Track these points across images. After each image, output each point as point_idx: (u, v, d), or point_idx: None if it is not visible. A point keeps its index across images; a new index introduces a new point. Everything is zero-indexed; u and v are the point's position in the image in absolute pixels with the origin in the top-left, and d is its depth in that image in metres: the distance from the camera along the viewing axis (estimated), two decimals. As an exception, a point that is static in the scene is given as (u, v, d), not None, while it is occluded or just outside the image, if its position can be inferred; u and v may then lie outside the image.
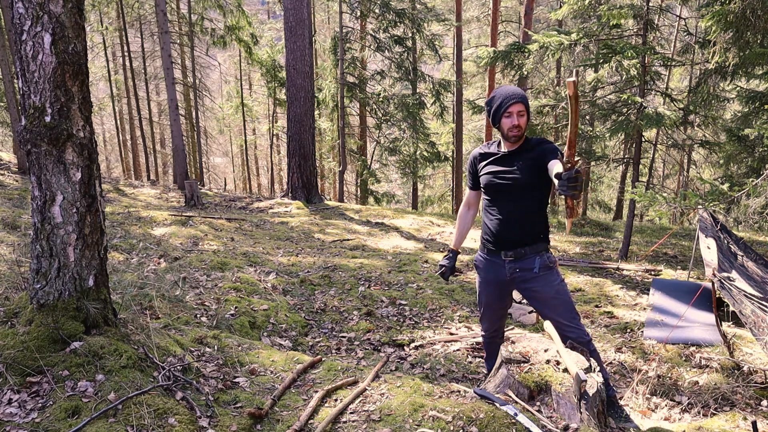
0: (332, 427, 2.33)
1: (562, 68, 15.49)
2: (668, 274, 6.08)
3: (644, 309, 4.76)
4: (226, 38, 16.20)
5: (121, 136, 22.34)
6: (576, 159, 2.13)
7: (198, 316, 3.74)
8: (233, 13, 15.88)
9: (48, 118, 2.28)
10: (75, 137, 2.35)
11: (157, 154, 22.79)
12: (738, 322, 4.18)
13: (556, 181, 2.18)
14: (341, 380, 2.78)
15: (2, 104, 12.72)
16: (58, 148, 2.32)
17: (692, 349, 3.74)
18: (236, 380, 2.72)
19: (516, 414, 2.27)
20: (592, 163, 8.64)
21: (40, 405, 2.16)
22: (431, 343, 4.05)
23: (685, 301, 4.43)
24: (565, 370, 2.51)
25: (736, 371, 3.37)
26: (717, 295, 4.12)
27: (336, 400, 2.58)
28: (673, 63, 8.89)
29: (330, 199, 15.63)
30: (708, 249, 4.44)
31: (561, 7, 7.35)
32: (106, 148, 27.35)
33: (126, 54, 18.45)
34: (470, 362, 3.76)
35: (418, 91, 16.14)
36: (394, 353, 3.88)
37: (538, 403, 2.45)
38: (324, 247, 7.32)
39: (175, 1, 17.72)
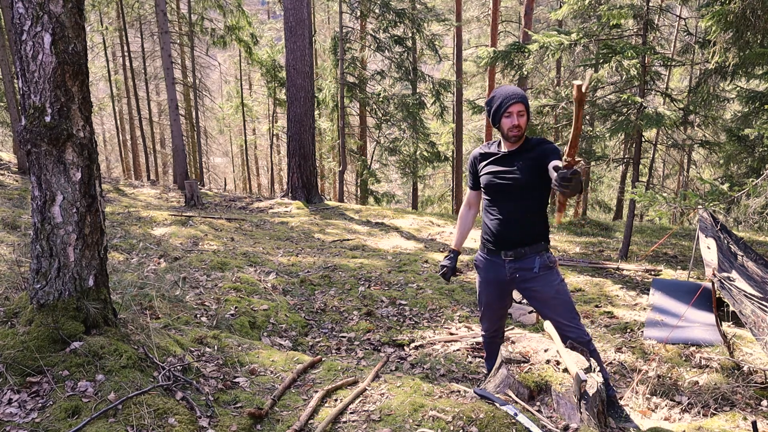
0: (332, 427, 2.33)
1: (562, 68, 15.49)
2: (668, 274, 6.08)
3: (644, 309, 4.76)
4: (226, 38, 16.20)
5: (121, 136, 22.34)
6: (577, 159, 2.13)
7: (198, 316, 3.74)
8: (233, 13, 15.88)
9: (48, 118, 2.28)
10: (75, 137, 2.35)
11: (157, 154, 22.79)
12: (738, 322, 4.18)
13: (553, 174, 2.17)
14: (341, 380, 2.78)
15: (2, 104, 12.73)
16: (58, 148, 2.32)
17: (692, 349, 3.74)
18: (236, 380, 2.72)
19: (516, 414, 2.27)
20: (592, 163, 8.64)
21: (40, 405, 2.16)
22: (431, 343, 4.05)
23: (685, 301, 4.43)
24: (565, 370, 2.51)
25: (736, 371, 3.37)
26: (717, 295, 4.12)
27: (336, 400, 2.58)
28: (673, 63, 8.89)
29: (330, 199, 15.63)
30: (708, 249, 4.44)
31: (561, 7, 7.35)
32: (106, 148, 27.35)
33: (126, 54, 18.46)
34: (470, 362, 3.76)
35: (418, 91, 16.15)
36: (394, 353, 3.88)
37: (538, 403, 2.45)
38: (324, 247, 7.32)
39: (175, 1, 17.72)
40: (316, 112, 15.91)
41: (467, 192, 3.06)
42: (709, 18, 5.52)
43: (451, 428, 2.24)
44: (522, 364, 2.59)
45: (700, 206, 4.79)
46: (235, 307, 4.00)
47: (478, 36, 22.47)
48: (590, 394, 2.37)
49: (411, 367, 3.64)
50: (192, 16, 16.00)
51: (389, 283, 5.45)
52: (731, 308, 4.02)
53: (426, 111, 16.59)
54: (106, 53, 19.19)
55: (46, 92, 2.27)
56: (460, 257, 3.09)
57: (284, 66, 13.24)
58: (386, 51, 15.73)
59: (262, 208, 10.69)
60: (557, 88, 9.53)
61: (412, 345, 4.03)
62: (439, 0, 20.08)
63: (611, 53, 6.52)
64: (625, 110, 7.01)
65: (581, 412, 2.34)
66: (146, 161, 18.62)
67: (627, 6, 6.63)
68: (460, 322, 4.54)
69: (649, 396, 3.21)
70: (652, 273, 6.12)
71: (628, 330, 4.26)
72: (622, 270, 6.30)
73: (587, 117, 7.26)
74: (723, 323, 4.16)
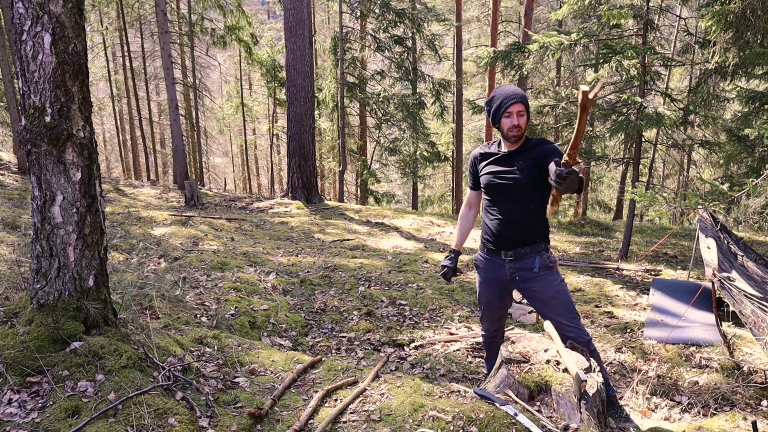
0: (332, 427, 2.33)
1: (562, 68, 15.48)
2: (668, 274, 6.08)
3: (644, 309, 4.76)
4: (226, 38, 16.20)
5: (121, 136, 22.35)
6: (577, 160, 2.13)
7: (198, 316, 3.74)
8: (233, 13, 15.88)
9: (48, 118, 2.28)
10: (75, 137, 2.35)
11: (157, 154, 22.79)
12: (738, 322, 4.18)
13: (552, 168, 2.18)
14: (341, 380, 2.78)
15: (2, 104, 12.73)
16: (58, 148, 2.32)
17: (692, 349, 3.74)
18: (236, 380, 2.72)
19: (516, 414, 2.27)
20: (592, 163, 8.64)
21: (40, 405, 2.16)
22: (431, 343, 4.05)
23: (685, 301, 4.43)
24: (565, 370, 2.51)
25: (736, 371, 3.37)
26: (717, 295, 4.12)
27: (336, 400, 2.58)
28: (673, 63, 8.89)
29: (330, 199, 15.63)
30: (708, 249, 4.44)
31: (561, 7, 7.35)
32: (106, 148, 27.35)
33: (126, 54, 18.46)
34: (470, 362, 3.76)
35: (418, 91, 16.15)
36: (394, 353, 3.88)
37: (538, 403, 2.45)
38: (324, 247, 7.32)
39: (175, 1, 17.72)
40: (316, 112, 15.91)
41: (467, 192, 3.06)
42: (709, 18, 5.52)
43: (451, 428, 2.24)
44: (522, 364, 2.60)
45: (700, 206, 4.80)
46: (235, 307, 4.00)
47: (478, 36, 22.47)
48: (590, 394, 2.37)
49: (411, 367, 3.64)
50: (192, 16, 16.01)
51: (389, 283, 5.45)
52: (731, 308, 4.02)
53: (426, 111, 16.59)
54: (106, 53, 19.19)
55: (46, 92, 2.27)
56: (461, 257, 3.09)
57: (284, 66, 13.24)
58: (386, 51, 15.73)
59: (262, 208, 10.69)
60: (557, 88, 9.53)
61: (412, 345, 4.03)
62: (439, 0, 20.08)
63: (611, 53, 6.52)
64: (625, 110, 7.01)
65: (581, 412, 2.34)
66: (146, 161, 18.62)
67: (627, 6, 6.63)
68: (460, 322, 4.54)
69: (649, 396, 3.21)
70: (652, 273, 6.12)
71: (628, 330, 4.26)
72: (622, 270, 6.30)
73: (587, 117, 7.25)
74: (723, 323, 4.16)
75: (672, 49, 13.76)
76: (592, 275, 6.09)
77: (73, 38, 2.30)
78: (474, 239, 7.14)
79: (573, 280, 5.83)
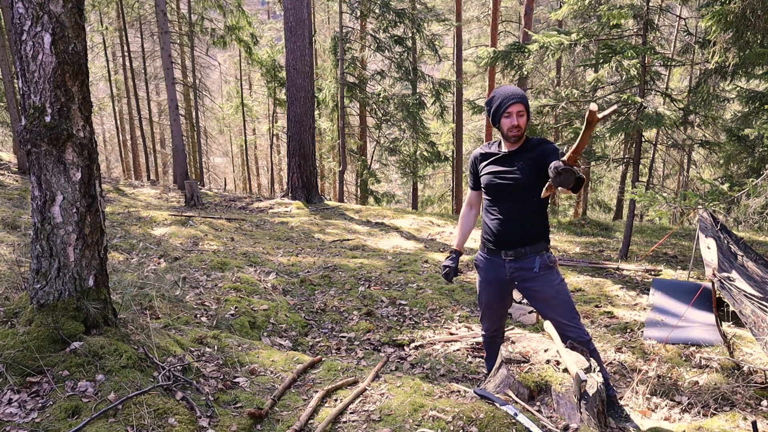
0: (332, 427, 2.33)
1: (562, 68, 15.49)
2: (668, 274, 6.08)
3: (644, 309, 4.76)
4: (226, 38, 16.20)
5: (121, 136, 22.35)
6: (578, 163, 2.15)
7: (198, 316, 3.74)
8: (233, 13, 15.88)
9: (48, 118, 2.28)
10: (75, 137, 2.35)
11: (157, 154, 22.79)
12: (738, 322, 4.18)
13: (552, 163, 2.19)
14: (341, 380, 2.78)
15: (2, 104, 12.73)
16: (58, 148, 2.32)
17: (692, 349, 3.74)
18: (236, 380, 2.72)
19: (516, 414, 2.27)
20: (592, 163, 8.64)
21: (40, 405, 2.16)
22: (431, 343, 4.05)
23: (685, 301, 4.43)
24: (565, 370, 2.51)
25: (736, 371, 3.37)
26: (717, 295, 4.12)
27: (336, 400, 2.58)
28: (673, 63, 8.89)
29: (330, 199, 15.63)
30: (708, 249, 4.44)
31: (561, 7, 7.35)
32: (106, 148, 27.35)
33: (126, 54, 18.46)
34: (470, 362, 3.76)
35: (418, 91, 16.15)
36: (394, 353, 3.88)
37: (538, 403, 2.45)
38: (324, 247, 7.32)
39: (175, 1, 17.72)
40: (316, 112, 15.91)
41: (468, 192, 3.06)
42: (709, 18, 5.52)
43: (451, 428, 2.24)
44: (522, 364, 2.60)
45: (700, 206, 4.80)
46: (235, 307, 4.00)
47: (478, 36, 22.47)
48: (590, 394, 2.37)
49: (411, 367, 3.64)
50: (192, 16, 16.01)
51: (389, 283, 5.45)
52: (731, 308, 4.02)
53: (426, 111, 16.59)
54: (106, 53, 19.19)
55: (46, 92, 2.27)
56: (461, 257, 3.10)
57: (284, 66, 13.24)
58: (386, 51, 15.73)
59: (262, 208, 10.69)
60: (557, 88, 9.53)
61: (412, 345, 4.03)
62: (439, 0, 20.09)
63: (611, 53, 6.52)
64: (625, 110, 7.01)
65: (581, 412, 2.34)
66: (146, 161, 18.62)
67: (627, 6, 6.63)
68: (460, 322, 4.54)
69: (649, 396, 3.21)
70: (652, 273, 6.12)
71: (628, 330, 4.26)
72: (622, 270, 6.30)
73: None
74: (723, 323, 4.16)
75: (672, 49, 13.76)
76: (592, 275, 6.09)
77: (73, 38, 2.30)
78: (474, 239, 7.14)
79: (573, 280, 5.83)
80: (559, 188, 2.22)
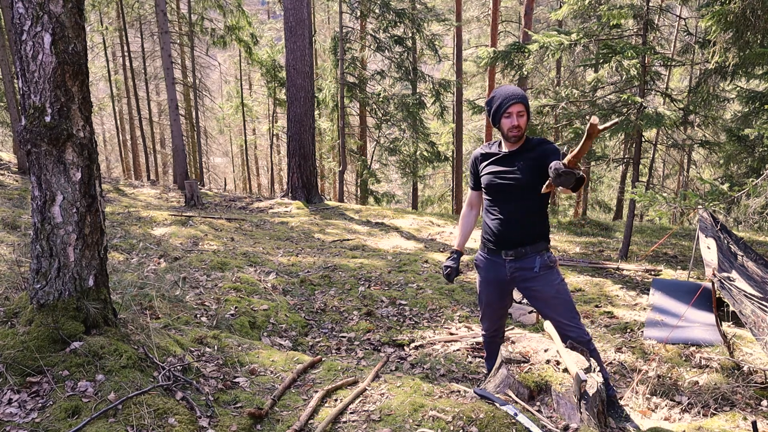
0: (332, 427, 2.33)
1: (562, 68, 15.49)
2: (668, 274, 6.08)
3: (644, 309, 4.76)
4: (226, 38, 16.20)
5: (121, 136, 22.35)
6: (578, 166, 2.16)
7: (198, 316, 3.74)
8: (233, 13, 15.88)
9: (48, 118, 2.28)
10: (75, 137, 2.35)
11: (157, 154, 22.79)
12: (738, 322, 4.18)
13: (552, 163, 2.19)
14: (341, 380, 2.78)
15: (2, 104, 12.73)
16: (58, 148, 2.32)
17: (692, 349, 3.74)
18: (236, 380, 2.72)
19: (516, 414, 2.27)
20: (592, 163, 8.64)
21: (40, 405, 2.16)
22: (431, 343, 4.05)
23: (685, 301, 4.43)
24: (565, 370, 2.51)
25: (736, 371, 3.37)
26: (717, 295, 4.12)
27: (336, 400, 2.58)
28: (673, 63, 8.89)
29: (330, 199, 15.63)
30: (708, 249, 4.44)
31: (561, 7, 7.35)
32: (106, 148, 27.35)
33: (126, 54, 18.46)
34: (470, 362, 3.76)
35: (418, 91, 16.15)
36: (394, 353, 3.88)
37: (538, 403, 2.45)
38: (324, 247, 7.32)
39: (175, 1, 17.73)
40: (316, 112, 15.91)
41: (468, 192, 3.06)
42: (709, 18, 5.52)
43: (451, 428, 2.24)
44: (522, 364, 2.60)
45: (700, 206, 4.80)
46: (235, 307, 4.00)
47: (478, 36, 22.47)
48: (590, 394, 2.37)
49: (411, 367, 3.64)
50: (192, 16, 16.01)
51: (389, 283, 5.45)
52: (731, 308, 4.02)
53: (426, 111, 16.60)
54: (106, 53, 19.19)
55: (46, 92, 2.27)
56: (462, 257, 3.10)
57: (284, 66, 13.24)
58: (386, 51, 15.73)
59: (262, 208, 10.69)
60: (557, 88, 9.53)
61: (412, 345, 4.03)
62: (439, 0, 20.09)
63: (611, 53, 6.52)
64: (625, 110, 7.01)
65: (581, 412, 2.34)
66: (146, 161, 18.62)
67: (627, 6, 6.63)
68: (460, 322, 4.54)
69: (649, 396, 3.21)
70: (652, 273, 6.12)
71: (628, 330, 4.26)
72: (622, 270, 6.30)
73: (587, 117, 7.26)
74: (723, 323, 4.16)
75: (672, 49, 13.76)
76: (592, 275, 6.09)
77: (73, 38, 2.30)
78: (474, 239, 7.15)
79: (573, 280, 5.83)
80: (560, 188, 2.22)
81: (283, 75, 16.66)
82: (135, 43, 19.63)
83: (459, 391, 2.63)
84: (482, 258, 2.92)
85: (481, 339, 3.67)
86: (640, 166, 8.59)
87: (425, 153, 16.42)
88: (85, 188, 2.40)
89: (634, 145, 7.50)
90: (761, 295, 3.70)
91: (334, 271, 5.72)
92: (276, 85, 18.61)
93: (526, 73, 7.69)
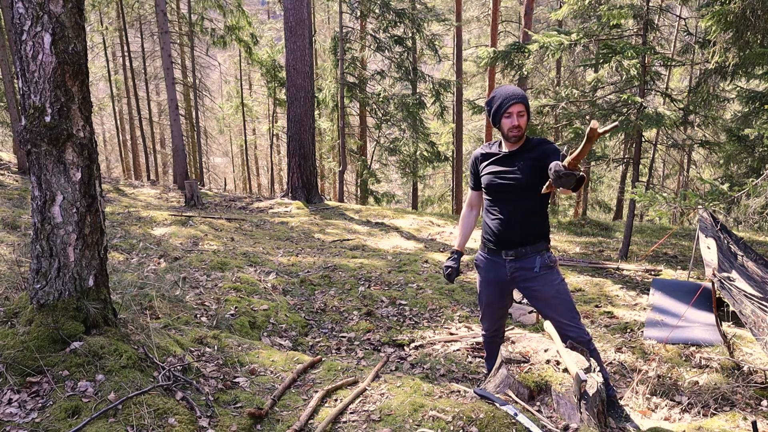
0: (332, 427, 2.33)
1: (562, 68, 15.48)
2: (668, 274, 6.08)
3: (644, 309, 4.76)
4: (226, 38, 16.21)
5: (121, 136, 22.35)
6: (578, 167, 2.15)
7: (198, 316, 3.74)
8: (233, 13, 15.88)
9: (48, 118, 2.28)
10: (75, 137, 2.35)
11: (157, 154, 22.79)
12: (738, 322, 4.18)
13: (553, 163, 2.19)
14: (341, 380, 2.78)
15: (2, 104, 12.73)
16: (58, 148, 2.32)
17: (692, 349, 3.74)
18: (236, 380, 2.72)
19: (516, 414, 2.27)
20: (592, 163, 8.64)
21: (40, 405, 2.16)
22: (431, 343, 4.05)
23: (685, 301, 4.43)
24: (565, 370, 2.51)
25: (736, 371, 3.37)
26: (717, 295, 4.12)
27: (336, 400, 2.58)
28: (673, 63, 8.89)
29: (330, 199, 15.63)
30: (708, 249, 4.44)
31: (561, 7, 7.35)
32: (106, 148, 27.35)
33: (126, 54, 18.46)
34: (470, 362, 3.76)
35: (418, 91, 16.15)
36: (394, 353, 3.88)
37: (538, 403, 2.45)
38: (324, 247, 7.32)
39: (175, 1, 17.73)
40: (316, 112, 15.91)
41: (468, 192, 3.06)
42: (709, 18, 5.52)
43: (451, 428, 2.24)
44: (522, 364, 2.59)
45: (700, 206, 4.80)
46: (235, 307, 4.00)
47: (478, 36, 22.47)
48: (590, 394, 2.37)
49: (411, 367, 3.64)
50: (192, 16, 16.01)
51: (389, 283, 5.45)
52: (731, 308, 4.02)
53: (426, 111, 16.60)
54: (106, 53, 19.19)
55: (46, 92, 2.27)
56: (462, 258, 3.10)
57: (284, 66, 13.24)
58: (386, 51, 15.73)
59: (262, 208, 10.69)
60: (557, 88, 9.53)
61: (412, 345, 4.03)
62: (439, 0, 20.08)
63: (611, 53, 6.52)
64: (625, 110, 7.01)
65: (581, 412, 2.34)
66: (146, 161, 18.62)
67: (627, 6, 6.63)
68: (460, 322, 4.54)
69: (649, 396, 3.21)
70: (652, 273, 6.12)
71: (628, 330, 4.26)
72: (622, 270, 6.30)
73: (587, 117, 7.27)
74: (723, 323, 4.16)
75: (672, 49, 13.76)
76: (592, 275, 6.09)
77: (73, 38, 2.30)
78: (474, 239, 7.14)
79: (573, 280, 5.83)
80: (560, 189, 2.22)
81: (283, 75, 16.66)
82: (135, 43, 19.63)
83: (459, 391, 2.63)
84: (482, 258, 2.92)
85: (481, 339, 3.67)
86: (640, 166, 8.59)
87: (425, 153, 16.42)
88: (85, 188, 2.40)
89: (634, 145, 7.50)
90: (761, 295, 3.70)
91: (334, 271, 5.72)
92: (276, 85, 18.61)
93: (526, 73, 7.69)
